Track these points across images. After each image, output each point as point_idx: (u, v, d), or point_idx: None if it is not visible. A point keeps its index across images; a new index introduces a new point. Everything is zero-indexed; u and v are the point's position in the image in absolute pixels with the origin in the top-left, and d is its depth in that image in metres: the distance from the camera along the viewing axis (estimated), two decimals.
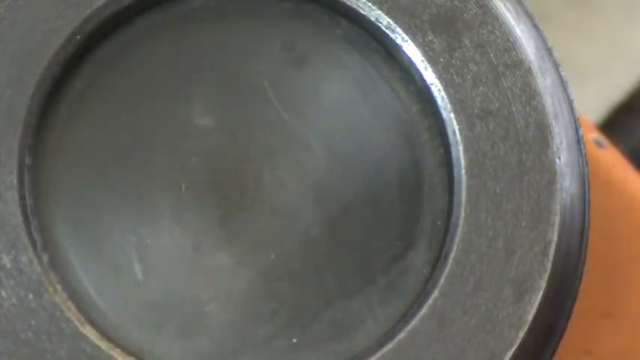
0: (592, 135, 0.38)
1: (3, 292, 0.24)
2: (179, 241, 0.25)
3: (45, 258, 0.23)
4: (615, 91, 0.67)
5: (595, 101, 0.69)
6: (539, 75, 0.24)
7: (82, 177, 0.25)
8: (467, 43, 0.24)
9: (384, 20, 0.24)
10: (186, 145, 0.25)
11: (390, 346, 0.23)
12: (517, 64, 0.24)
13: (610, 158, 0.37)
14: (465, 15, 0.25)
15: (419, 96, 0.24)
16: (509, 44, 0.24)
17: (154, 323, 0.25)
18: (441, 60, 0.24)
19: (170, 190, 0.25)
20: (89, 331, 0.23)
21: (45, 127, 0.24)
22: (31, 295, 0.23)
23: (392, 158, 0.25)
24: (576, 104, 0.30)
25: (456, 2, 0.25)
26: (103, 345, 0.24)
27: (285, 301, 0.25)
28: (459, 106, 0.24)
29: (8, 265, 0.24)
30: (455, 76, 0.24)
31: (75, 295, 0.24)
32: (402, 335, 0.23)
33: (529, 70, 0.24)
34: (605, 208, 0.33)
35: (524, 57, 0.24)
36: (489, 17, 0.24)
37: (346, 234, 0.25)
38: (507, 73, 0.24)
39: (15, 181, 0.24)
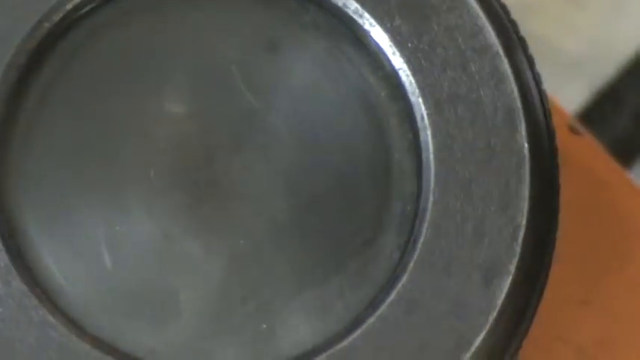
0: (567, 121, 0.38)
1: None
2: (149, 228, 0.25)
3: (12, 246, 0.24)
4: (600, 82, 0.68)
5: (582, 91, 0.70)
6: (507, 59, 0.24)
7: (50, 166, 0.25)
8: (435, 27, 0.24)
9: (352, 5, 0.24)
10: (155, 133, 0.25)
11: (359, 331, 0.24)
12: (485, 49, 0.24)
13: (586, 145, 0.38)
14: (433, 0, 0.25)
15: (387, 81, 0.24)
16: (476, 28, 0.24)
17: (125, 311, 0.24)
18: (409, 45, 0.24)
19: (139, 177, 0.25)
20: (59, 319, 0.23)
21: (12, 117, 0.24)
22: None
23: (361, 144, 0.25)
24: (563, 94, 0.31)
25: None
26: (73, 333, 0.24)
27: (256, 288, 0.25)
28: (427, 90, 0.24)
29: None
30: (423, 61, 0.24)
31: (44, 284, 0.24)
32: (371, 320, 0.23)
33: (497, 55, 0.24)
34: (581, 196, 0.34)
35: (492, 41, 0.24)
36: (457, 2, 0.25)
37: (316, 220, 0.25)
38: (475, 57, 0.24)
39: None
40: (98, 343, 0.24)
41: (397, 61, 0.24)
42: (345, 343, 0.24)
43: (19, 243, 0.24)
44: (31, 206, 0.24)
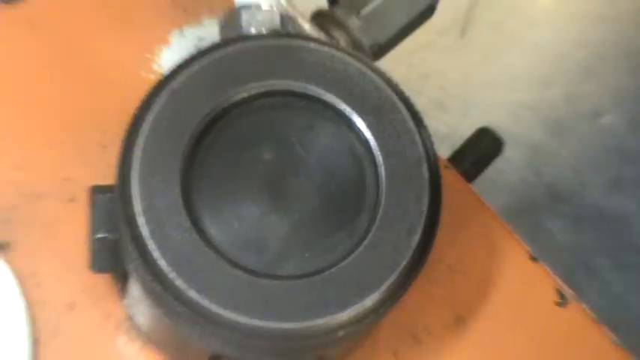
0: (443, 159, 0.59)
1: (173, 232, 0.43)
2: (254, 209, 0.45)
3: (192, 217, 0.43)
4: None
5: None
6: (417, 133, 0.46)
7: (214, 178, 0.45)
8: (385, 118, 0.46)
9: (346, 108, 0.46)
10: (261, 165, 0.45)
11: (348, 260, 0.44)
12: (409, 131, 0.45)
13: (452, 176, 0.61)
14: (384, 105, 0.46)
15: (363, 144, 0.46)
16: (403, 119, 0.45)
17: (246, 247, 0.44)
18: (373, 127, 0.46)
19: (252, 186, 0.45)
20: (213, 254, 0.43)
21: (194, 154, 0.44)
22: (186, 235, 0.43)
23: (351, 174, 0.46)
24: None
25: (379, 99, 0.47)
26: (222, 259, 0.43)
27: (300, 235, 0.45)
28: (381, 149, 0.45)
29: (174, 233, 0.44)
30: (380, 135, 0.45)
31: (210, 237, 0.44)
32: (353, 255, 0.44)
33: (414, 132, 0.46)
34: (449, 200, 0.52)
35: (412, 127, 0.46)
36: (394, 106, 0.46)
37: (328, 208, 0.46)
38: (404, 133, 0.46)
39: (179, 187, 0.44)
40: (236, 264, 0.44)
41: (368, 135, 0.45)
42: (336, 268, 0.44)
43: (197, 218, 0.44)
44: (205, 198, 0.44)
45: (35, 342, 0.55)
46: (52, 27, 0.62)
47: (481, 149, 0.61)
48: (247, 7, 0.53)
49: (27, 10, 0.61)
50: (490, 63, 1.08)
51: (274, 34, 0.53)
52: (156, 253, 0.44)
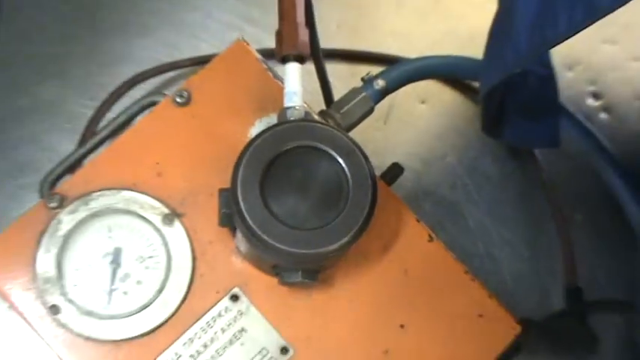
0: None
1: (255, 209, 0.63)
2: (289, 201, 0.64)
3: (262, 204, 0.63)
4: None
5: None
6: (362, 157, 0.66)
7: (272, 189, 0.64)
8: (351, 157, 0.67)
9: (334, 153, 0.67)
10: (294, 178, 0.65)
11: (332, 224, 0.65)
12: (360, 161, 0.66)
13: (382, 188, 0.74)
14: (350, 151, 0.71)
15: (342, 169, 0.66)
16: (358, 156, 0.67)
17: (288, 225, 0.64)
18: (346, 161, 0.67)
19: (291, 187, 0.65)
20: (272, 216, 0.67)
21: (264, 175, 0.64)
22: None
23: (336, 183, 0.66)
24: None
25: (348, 148, 0.67)
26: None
27: (311, 212, 0.65)
28: (350, 171, 0.67)
29: (256, 209, 0.65)
30: (349, 164, 0.66)
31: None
32: (336, 220, 0.65)
33: (360, 158, 0.66)
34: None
35: (361, 157, 0.66)
36: (354, 151, 0.67)
37: (330, 200, 0.66)
38: (357, 161, 0.67)
39: (258, 188, 0.65)
40: (284, 223, 0.65)
41: (343, 165, 0.66)
42: (331, 224, 0.65)
43: (266, 202, 0.65)
44: (270, 193, 0.65)
45: (194, 259, 0.74)
46: (204, 117, 0.77)
47: (391, 172, 0.80)
48: (290, 107, 0.69)
49: (191, 108, 0.76)
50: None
51: (302, 119, 0.68)
52: (247, 217, 0.63)
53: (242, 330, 0.71)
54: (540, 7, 0.66)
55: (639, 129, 0.99)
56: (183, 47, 0.99)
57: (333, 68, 0.90)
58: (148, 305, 0.70)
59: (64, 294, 0.69)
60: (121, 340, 0.69)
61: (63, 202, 0.72)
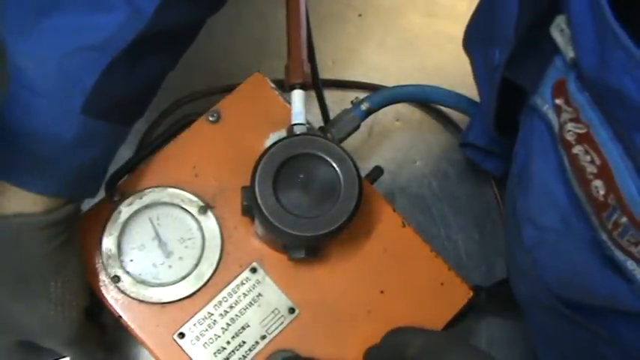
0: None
1: (269, 201, 0.70)
2: (294, 194, 0.63)
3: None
4: None
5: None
6: (351, 162, 0.64)
7: (281, 184, 0.63)
8: (343, 163, 0.68)
9: (330, 159, 0.66)
10: (299, 177, 0.63)
11: (327, 213, 0.63)
12: (349, 166, 0.65)
13: (368, 188, 0.73)
14: (342, 158, 0.70)
15: (336, 171, 0.64)
16: (348, 161, 0.65)
17: (294, 207, 0.63)
18: (339, 165, 0.64)
19: (297, 184, 0.63)
20: (282, 206, 0.66)
21: (277, 174, 0.63)
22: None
23: (331, 181, 0.63)
24: None
25: (340, 155, 0.66)
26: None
27: (312, 204, 0.64)
28: (342, 172, 0.64)
29: (269, 201, 0.64)
30: (341, 168, 0.64)
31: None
32: (331, 211, 0.63)
33: (350, 163, 0.64)
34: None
35: (350, 162, 0.65)
36: (345, 158, 0.66)
37: (325, 194, 0.63)
38: (347, 166, 0.64)
39: (271, 185, 0.65)
40: (290, 212, 0.63)
41: (337, 168, 0.64)
42: (327, 214, 0.63)
43: (277, 196, 0.63)
44: (281, 188, 0.63)
45: (222, 240, 0.73)
46: (231, 132, 0.75)
47: (374, 173, 0.82)
48: (296, 123, 0.69)
49: (221, 124, 0.74)
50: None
51: (305, 133, 0.67)
52: (263, 208, 0.63)
53: (259, 295, 0.71)
54: None
55: None
56: (219, 74, 0.98)
57: (329, 94, 0.90)
58: (187, 276, 0.70)
59: (122, 267, 0.70)
60: (167, 303, 0.69)
61: (123, 197, 0.72)
